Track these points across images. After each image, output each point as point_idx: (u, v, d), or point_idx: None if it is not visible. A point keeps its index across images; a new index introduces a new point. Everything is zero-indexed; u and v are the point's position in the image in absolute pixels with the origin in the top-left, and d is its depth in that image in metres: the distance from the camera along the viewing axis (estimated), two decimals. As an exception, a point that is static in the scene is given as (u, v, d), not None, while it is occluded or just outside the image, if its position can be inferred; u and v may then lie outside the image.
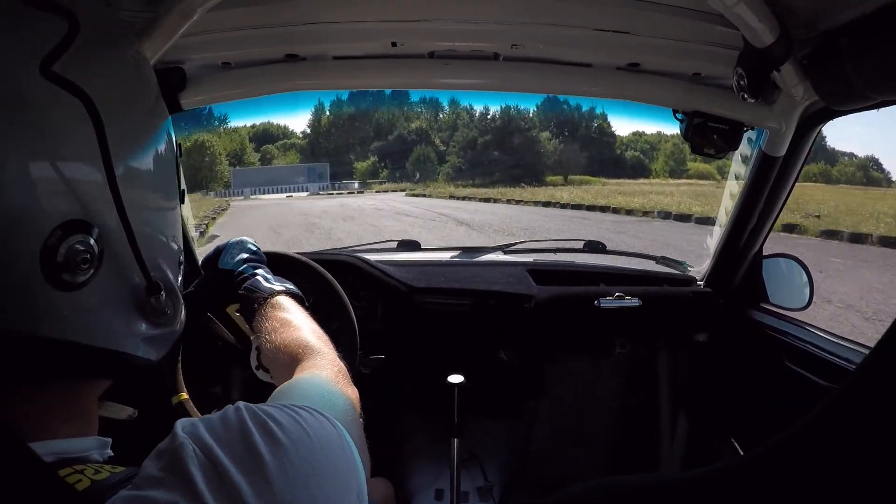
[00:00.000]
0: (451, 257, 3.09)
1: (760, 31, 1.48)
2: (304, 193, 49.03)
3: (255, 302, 1.55)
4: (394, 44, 1.90)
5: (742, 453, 2.49)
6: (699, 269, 2.83)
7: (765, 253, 2.54)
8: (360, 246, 3.10)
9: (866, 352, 1.97)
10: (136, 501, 0.61)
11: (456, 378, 1.84)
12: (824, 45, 1.57)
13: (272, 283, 1.60)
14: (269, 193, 48.51)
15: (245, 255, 1.73)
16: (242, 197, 47.47)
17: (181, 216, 0.97)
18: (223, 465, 0.65)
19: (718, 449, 2.59)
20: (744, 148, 2.24)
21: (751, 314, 2.54)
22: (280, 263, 1.83)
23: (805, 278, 2.43)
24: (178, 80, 1.97)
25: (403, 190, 47.13)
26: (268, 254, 1.85)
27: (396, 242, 3.25)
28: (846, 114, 1.87)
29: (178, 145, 1.00)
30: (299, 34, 1.85)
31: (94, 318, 0.74)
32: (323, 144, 66.63)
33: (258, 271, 1.65)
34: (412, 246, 3.21)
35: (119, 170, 0.74)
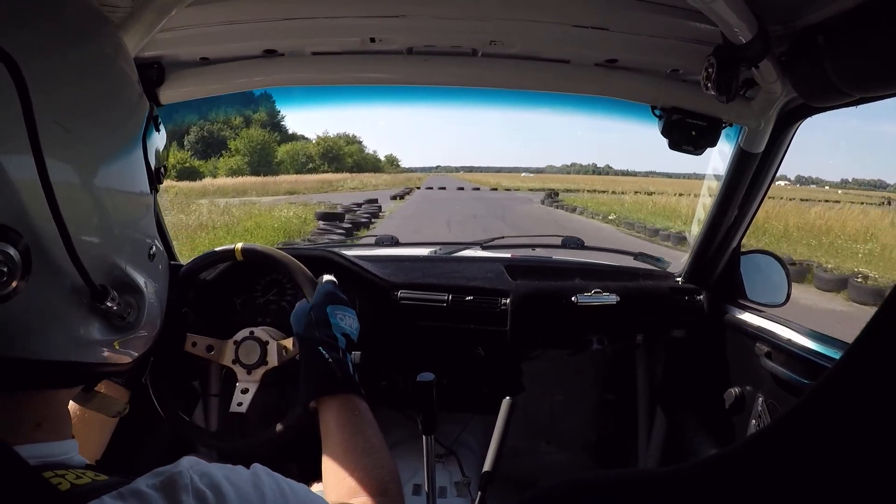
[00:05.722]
0: (429, 253, 3.09)
1: (738, 28, 1.48)
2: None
3: (335, 385, 1.33)
4: (372, 39, 1.90)
5: (719, 450, 2.50)
6: (677, 265, 2.84)
7: (743, 249, 2.56)
8: (338, 242, 3.11)
9: (844, 348, 1.99)
10: None
11: (426, 376, 1.84)
12: (802, 41, 1.58)
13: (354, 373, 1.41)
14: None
15: (349, 326, 1.54)
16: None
17: (152, 204, 0.93)
18: (224, 496, 0.67)
19: (695, 445, 2.60)
20: (722, 144, 2.24)
21: (728, 310, 2.55)
22: (258, 259, 1.82)
23: (783, 274, 2.45)
24: (157, 75, 1.99)
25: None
26: (243, 249, 1.84)
27: (375, 238, 3.25)
28: (824, 110, 1.89)
29: (153, 122, 0.95)
30: (277, 30, 1.84)
31: (25, 330, 0.68)
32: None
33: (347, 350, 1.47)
34: (391, 241, 3.21)
35: (55, 155, 0.67)
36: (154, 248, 0.92)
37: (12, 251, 0.62)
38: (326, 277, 1.62)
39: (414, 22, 1.82)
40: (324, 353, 1.38)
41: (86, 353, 0.76)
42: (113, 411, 1.08)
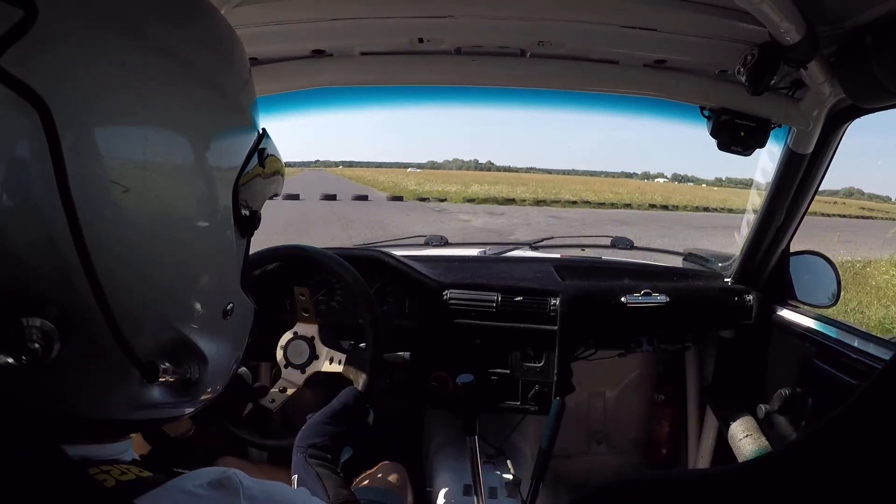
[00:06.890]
0: (479, 253, 3.11)
1: (786, 29, 1.48)
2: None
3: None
4: (420, 40, 1.91)
5: (769, 451, 2.49)
6: (726, 265, 2.83)
7: (792, 250, 2.54)
8: (387, 241, 3.14)
9: (894, 349, 1.97)
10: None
11: (465, 378, 1.86)
12: (850, 42, 1.57)
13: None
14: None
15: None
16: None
17: (238, 258, 0.80)
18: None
19: (745, 446, 2.59)
20: (771, 145, 2.23)
21: (778, 311, 2.54)
22: (307, 260, 1.86)
23: (833, 275, 2.43)
24: None
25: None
26: (293, 248, 1.87)
27: (424, 238, 3.27)
28: (873, 111, 1.87)
29: (258, 156, 0.80)
30: (325, 30, 1.86)
31: (78, 391, 0.63)
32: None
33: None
34: (440, 241, 3.24)
35: (105, 220, 0.59)
36: (231, 304, 0.80)
37: (39, 322, 0.55)
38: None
39: (462, 22, 1.83)
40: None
41: (145, 413, 0.71)
42: (179, 431, 1.03)
